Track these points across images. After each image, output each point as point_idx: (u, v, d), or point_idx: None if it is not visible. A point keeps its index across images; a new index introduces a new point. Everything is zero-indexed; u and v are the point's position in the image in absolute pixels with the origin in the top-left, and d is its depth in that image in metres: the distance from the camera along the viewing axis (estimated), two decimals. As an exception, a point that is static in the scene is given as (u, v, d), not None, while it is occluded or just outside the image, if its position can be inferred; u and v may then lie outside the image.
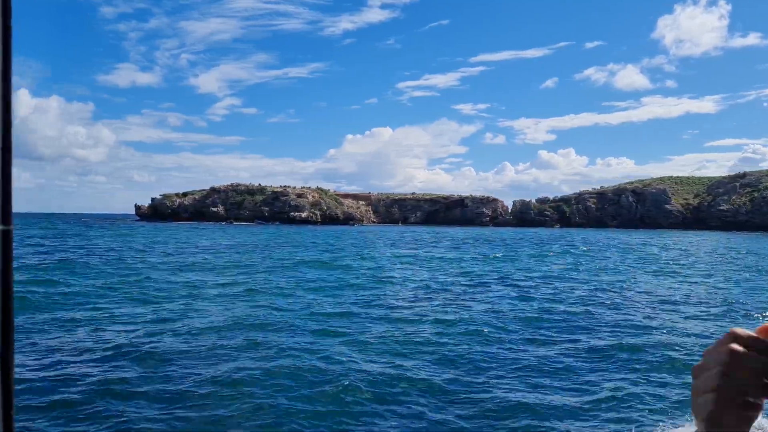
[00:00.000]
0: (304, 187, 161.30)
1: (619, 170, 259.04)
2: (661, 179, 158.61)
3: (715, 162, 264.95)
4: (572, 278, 28.40)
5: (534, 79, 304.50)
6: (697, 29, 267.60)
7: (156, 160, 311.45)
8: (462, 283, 26.00)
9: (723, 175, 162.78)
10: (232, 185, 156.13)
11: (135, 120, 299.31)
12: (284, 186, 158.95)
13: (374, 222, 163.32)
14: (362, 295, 21.32)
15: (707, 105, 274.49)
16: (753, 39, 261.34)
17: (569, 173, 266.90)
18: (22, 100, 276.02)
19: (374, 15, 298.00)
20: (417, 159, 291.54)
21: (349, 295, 21.23)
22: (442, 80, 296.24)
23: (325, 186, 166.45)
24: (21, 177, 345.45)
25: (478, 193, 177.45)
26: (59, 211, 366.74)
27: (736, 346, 0.74)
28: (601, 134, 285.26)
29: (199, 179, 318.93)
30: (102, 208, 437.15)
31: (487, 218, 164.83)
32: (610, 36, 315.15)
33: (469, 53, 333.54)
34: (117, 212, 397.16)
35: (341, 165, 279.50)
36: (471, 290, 23.39)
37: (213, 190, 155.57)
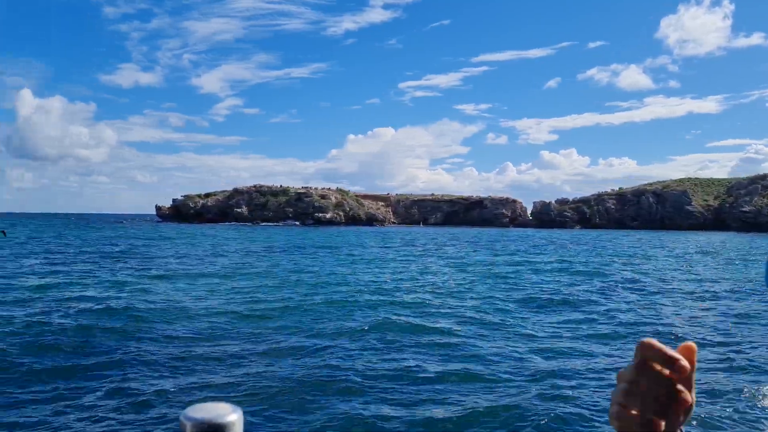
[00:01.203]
0: (324, 188, 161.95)
1: (620, 170, 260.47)
2: (680, 180, 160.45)
3: (717, 162, 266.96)
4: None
5: (536, 79, 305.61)
6: (700, 29, 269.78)
7: (158, 160, 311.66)
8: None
9: (726, 175, 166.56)
10: (255, 186, 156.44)
11: (137, 120, 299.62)
12: (306, 186, 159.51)
13: (394, 223, 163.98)
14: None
15: (710, 105, 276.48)
16: (757, 39, 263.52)
17: (571, 173, 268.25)
18: (25, 100, 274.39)
19: (376, 15, 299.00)
20: (419, 159, 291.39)
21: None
22: (444, 80, 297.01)
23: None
24: (24, 177, 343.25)
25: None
26: (62, 211, 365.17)
27: (644, 360, 0.74)
28: (603, 134, 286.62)
29: (202, 179, 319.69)
30: (104, 208, 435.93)
31: (507, 219, 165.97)
32: (613, 36, 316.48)
33: (471, 53, 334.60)
34: (120, 212, 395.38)
35: (343, 165, 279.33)
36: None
37: (236, 191, 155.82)
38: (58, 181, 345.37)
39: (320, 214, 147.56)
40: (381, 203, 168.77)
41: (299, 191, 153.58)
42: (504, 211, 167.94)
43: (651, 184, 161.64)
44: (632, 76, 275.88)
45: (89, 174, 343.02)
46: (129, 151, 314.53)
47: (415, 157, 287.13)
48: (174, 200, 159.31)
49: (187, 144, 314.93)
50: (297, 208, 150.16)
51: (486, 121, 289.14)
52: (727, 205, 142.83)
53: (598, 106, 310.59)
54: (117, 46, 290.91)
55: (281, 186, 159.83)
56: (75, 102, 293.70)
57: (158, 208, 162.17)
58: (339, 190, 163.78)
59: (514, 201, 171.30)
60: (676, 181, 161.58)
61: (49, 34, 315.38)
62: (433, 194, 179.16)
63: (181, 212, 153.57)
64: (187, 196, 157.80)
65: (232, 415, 0.80)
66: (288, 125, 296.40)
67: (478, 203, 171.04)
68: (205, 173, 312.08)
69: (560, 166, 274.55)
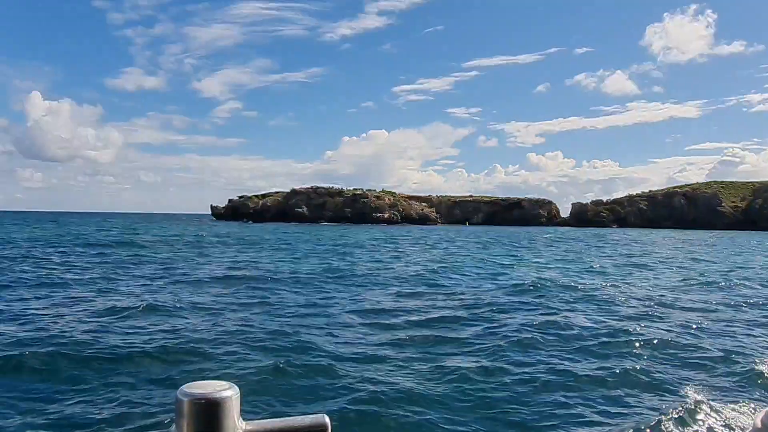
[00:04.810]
0: (368, 190, 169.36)
1: (603, 172, 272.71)
2: (708, 184, 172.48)
3: (695, 165, 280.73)
4: None
5: (526, 84, 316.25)
6: (684, 37, 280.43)
7: (162, 161, 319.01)
8: None
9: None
10: (312, 188, 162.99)
11: (141, 122, 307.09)
12: (356, 188, 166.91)
13: (439, 223, 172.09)
14: None
15: (690, 110, 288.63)
16: (737, 47, 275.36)
17: (557, 175, 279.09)
18: (35, 103, 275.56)
19: (371, 21, 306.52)
20: (411, 161, 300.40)
21: None
22: (437, 84, 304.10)
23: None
24: (33, 177, 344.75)
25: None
26: (71, 211, 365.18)
27: None
28: (588, 138, 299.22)
29: (206, 180, 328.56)
30: (109, 207, 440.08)
31: (544, 219, 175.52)
32: (600, 43, 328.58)
33: (462, 58, 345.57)
34: (123, 211, 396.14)
35: (338, 167, 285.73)
36: None
37: (294, 192, 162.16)
38: (66, 181, 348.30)
39: (379, 215, 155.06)
40: (424, 204, 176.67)
41: (355, 192, 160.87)
42: (541, 211, 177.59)
43: (682, 187, 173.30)
44: (618, 82, 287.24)
45: (96, 174, 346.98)
46: (134, 153, 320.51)
47: (408, 159, 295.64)
48: (230, 200, 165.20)
49: (189, 146, 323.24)
50: (354, 209, 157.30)
51: (476, 125, 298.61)
52: (756, 206, 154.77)
53: (584, 111, 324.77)
54: (122, 51, 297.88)
55: (332, 187, 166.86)
56: (82, 105, 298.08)
57: (213, 208, 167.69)
58: (386, 191, 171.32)
59: (550, 202, 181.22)
60: (703, 184, 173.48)
61: (58, 39, 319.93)
62: (471, 195, 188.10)
63: (240, 212, 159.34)
64: (244, 197, 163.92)
65: (228, 391, 0.92)
66: (285, 128, 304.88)
67: (517, 204, 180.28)
68: (209, 174, 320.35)
69: (546, 168, 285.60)
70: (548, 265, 33.18)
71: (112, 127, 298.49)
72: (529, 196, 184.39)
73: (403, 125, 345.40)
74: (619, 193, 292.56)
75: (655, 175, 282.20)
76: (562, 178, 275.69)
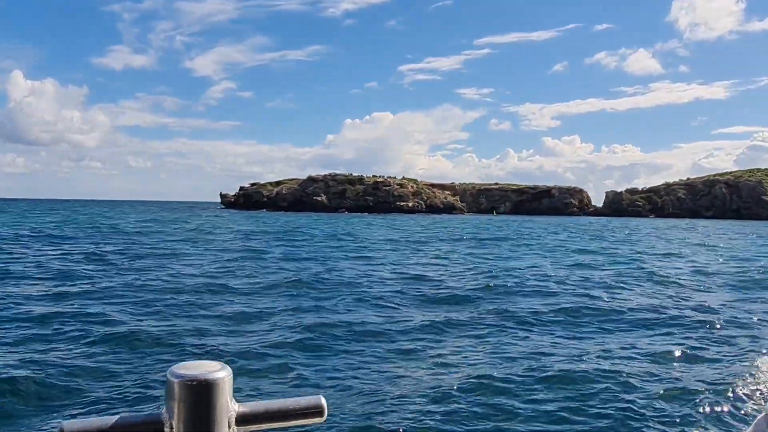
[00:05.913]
0: (389, 177, 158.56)
1: (624, 157, 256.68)
2: (750, 171, 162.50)
3: (722, 150, 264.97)
4: None
5: (541, 63, 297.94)
6: (713, 13, 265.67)
7: (152, 145, 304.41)
8: None
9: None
10: (330, 175, 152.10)
11: (130, 104, 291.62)
12: (377, 175, 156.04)
13: (465, 212, 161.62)
14: None
15: (717, 91, 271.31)
16: None
17: (575, 160, 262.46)
18: (17, 83, 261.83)
19: None
20: (418, 145, 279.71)
21: None
22: (446, 63, 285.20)
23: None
24: (15, 162, 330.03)
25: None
26: (55, 198, 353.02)
27: None
28: (608, 121, 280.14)
29: (198, 166, 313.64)
30: (97, 194, 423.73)
31: (575, 208, 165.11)
32: (622, 18, 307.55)
33: (473, 35, 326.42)
34: (112, 198, 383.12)
35: (340, 151, 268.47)
36: None
37: (310, 179, 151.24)
38: (50, 166, 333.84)
39: (402, 203, 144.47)
40: (447, 192, 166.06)
41: (377, 180, 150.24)
42: (572, 200, 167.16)
43: (723, 175, 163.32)
44: (641, 61, 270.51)
45: (82, 159, 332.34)
46: (122, 136, 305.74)
47: (414, 143, 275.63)
48: (242, 188, 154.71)
49: (180, 129, 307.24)
50: (376, 197, 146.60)
51: (488, 107, 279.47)
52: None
53: (604, 92, 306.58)
54: (109, 28, 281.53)
55: (351, 174, 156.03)
56: (67, 85, 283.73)
57: (223, 196, 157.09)
58: (408, 179, 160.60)
59: (581, 190, 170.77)
60: (746, 171, 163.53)
61: (40, 15, 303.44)
62: (496, 183, 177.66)
63: (252, 200, 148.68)
64: (257, 184, 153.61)
65: (220, 372, 0.84)
66: (283, 110, 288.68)
67: (546, 192, 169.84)
68: (200, 159, 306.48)
69: (563, 153, 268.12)
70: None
71: (99, 109, 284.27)
72: (558, 184, 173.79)
73: (409, 107, 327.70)
74: (641, 180, 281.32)
75: (680, 160, 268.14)
76: (579, 164, 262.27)
